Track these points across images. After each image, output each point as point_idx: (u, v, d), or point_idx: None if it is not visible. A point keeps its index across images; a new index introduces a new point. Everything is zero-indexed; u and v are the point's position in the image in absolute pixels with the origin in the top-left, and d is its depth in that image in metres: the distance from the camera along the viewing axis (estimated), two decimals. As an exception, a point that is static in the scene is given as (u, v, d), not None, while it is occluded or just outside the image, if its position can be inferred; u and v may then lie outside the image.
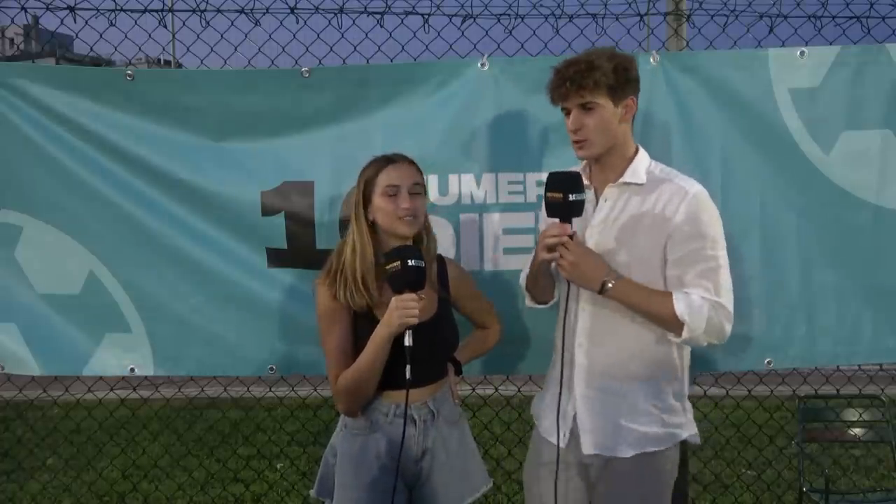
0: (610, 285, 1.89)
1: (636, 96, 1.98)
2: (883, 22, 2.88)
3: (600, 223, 1.99)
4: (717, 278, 1.93)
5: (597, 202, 2.02)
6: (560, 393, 1.98)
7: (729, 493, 3.89)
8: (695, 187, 1.95)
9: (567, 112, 1.98)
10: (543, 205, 1.95)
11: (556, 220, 1.90)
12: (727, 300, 1.94)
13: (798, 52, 2.54)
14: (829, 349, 2.61)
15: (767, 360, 2.61)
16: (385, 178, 2.01)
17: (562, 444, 2.00)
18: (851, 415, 3.34)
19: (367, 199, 2.04)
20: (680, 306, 1.88)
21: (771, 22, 2.87)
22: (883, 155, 2.55)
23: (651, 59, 2.53)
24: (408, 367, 1.86)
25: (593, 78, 1.88)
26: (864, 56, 2.54)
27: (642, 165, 2.00)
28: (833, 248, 2.57)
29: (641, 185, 1.97)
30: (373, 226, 2.04)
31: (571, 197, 1.86)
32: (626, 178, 1.98)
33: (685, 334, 1.90)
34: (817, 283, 2.58)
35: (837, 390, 3.54)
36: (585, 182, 1.97)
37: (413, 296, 1.87)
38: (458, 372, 2.21)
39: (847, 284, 2.58)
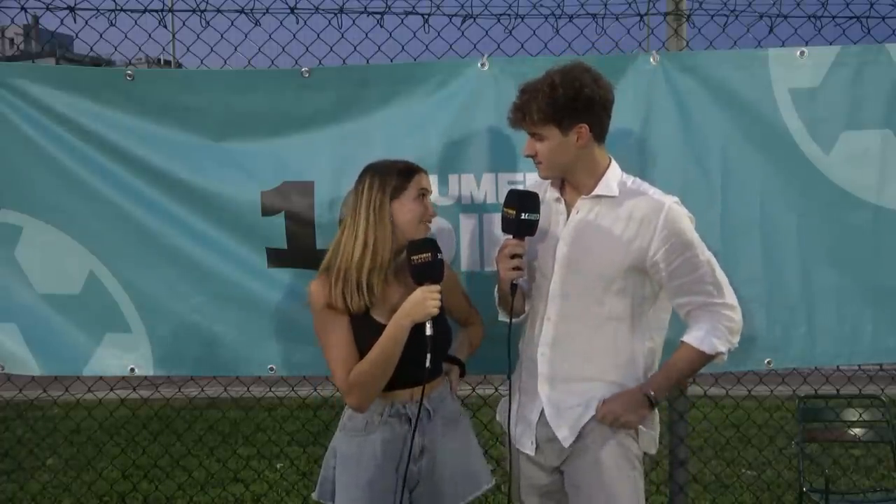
0: (652, 393, 1.99)
1: (594, 121, 1.95)
2: (883, 22, 2.87)
3: (571, 231, 2.02)
4: (715, 278, 1.98)
5: (568, 215, 2.05)
6: (518, 399, 2.07)
7: (729, 493, 3.89)
8: (669, 199, 1.98)
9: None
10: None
11: (510, 236, 1.97)
12: (729, 294, 2.00)
13: (798, 52, 2.54)
14: (829, 349, 2.61)
15: (767, 360, 2.61)
16: (419, 182, 2.04)
17: (530, 452, 2.06)
18: (851, 415, 3.34)
19: (385, 201, 2.03)
20: (705, 346, 1.97)
21: (771, 22, 2.87)
22: (883, 155, 2.55)
23: (651, 59, 2.54)
24: (428, 356, 1.90)
25: (531, 112, 1.92)
26: (864, 56, 2.54)
27: (614, 178, 2.01)
28: (833, 248, 2.57)
29: (614, 197, 1.99)
30: None
31: (524, 215, 1.93)
32: (599, 190, 2.00)
33: (726, 355, 2.01)
34: (817, 284, 2.58)
35: (837, 390, 3.53)
36: (556, 195, 2.05)
37: (438, 287, 1.93)
38: (463, 373, 2.22)
39: (847, 284, 2.58)
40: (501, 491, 2.23)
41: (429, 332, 1.92)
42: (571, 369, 2.03)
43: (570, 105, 1.91)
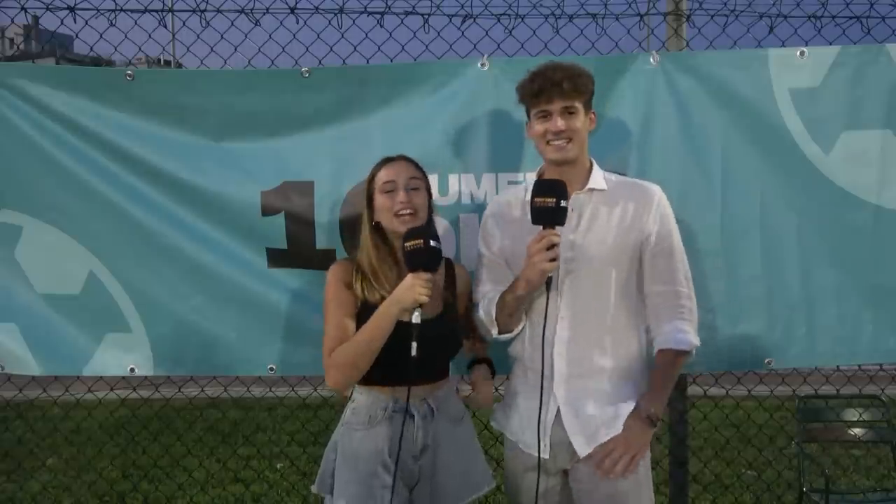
0: (652, 410, 1.99)
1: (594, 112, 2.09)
2: (883, 22, 2.88)
3: (572, 232, 2.02)
4: (686, 268, 2.08)
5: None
6: (529, 404, 2.03)
7: (729, 493, 3.88)
8: (655, 187, 2.10)
9: (542, 115, 1.99)
10: (529, 212, 1.92)
11: (540, 227, 1.91)
12: (691, 285, 2.08)
13: (798, 52, 2.54)
14: (829, 349, 2.61)
15: (767, 360, 2.61)
16: (383, 175, 2.06)
17: (546, 456, 2.03)
18: (851, 415, 3.33)
19: (370, 200, 2.09)
20: (682, 346, 2.02)
21: (771, 22, 2.87)
22: (883, 155, 2.55)
23: (651, 60, 2.54)
24: (413, 344, 1.85)
25: (583, 83, 1.99)
26: (864, 56, 2.54)
27: (600, 175, 2.09)
28: (833, 248, 2.57)
29: (605, 190, 2.06)
30: (378, 226, 2.09)
31: (562, 203, 1.89)
32: (592, 184, 2.05)
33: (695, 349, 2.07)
34: (817, 283, 2.58)
35: (837, 390, 3.53)
36: None
37: (429, 275, 1.91)
38: (493, 371, 2.20)
39: (847, 284, 2.58)
40: (501, 490, 2.23)
41: (416, 320, 1.87)
42: (586, 364, 2.03)
43: (592, 89, 2.04)
